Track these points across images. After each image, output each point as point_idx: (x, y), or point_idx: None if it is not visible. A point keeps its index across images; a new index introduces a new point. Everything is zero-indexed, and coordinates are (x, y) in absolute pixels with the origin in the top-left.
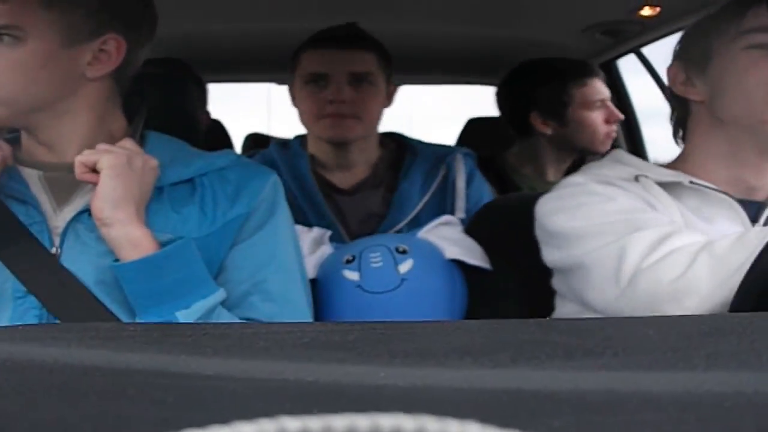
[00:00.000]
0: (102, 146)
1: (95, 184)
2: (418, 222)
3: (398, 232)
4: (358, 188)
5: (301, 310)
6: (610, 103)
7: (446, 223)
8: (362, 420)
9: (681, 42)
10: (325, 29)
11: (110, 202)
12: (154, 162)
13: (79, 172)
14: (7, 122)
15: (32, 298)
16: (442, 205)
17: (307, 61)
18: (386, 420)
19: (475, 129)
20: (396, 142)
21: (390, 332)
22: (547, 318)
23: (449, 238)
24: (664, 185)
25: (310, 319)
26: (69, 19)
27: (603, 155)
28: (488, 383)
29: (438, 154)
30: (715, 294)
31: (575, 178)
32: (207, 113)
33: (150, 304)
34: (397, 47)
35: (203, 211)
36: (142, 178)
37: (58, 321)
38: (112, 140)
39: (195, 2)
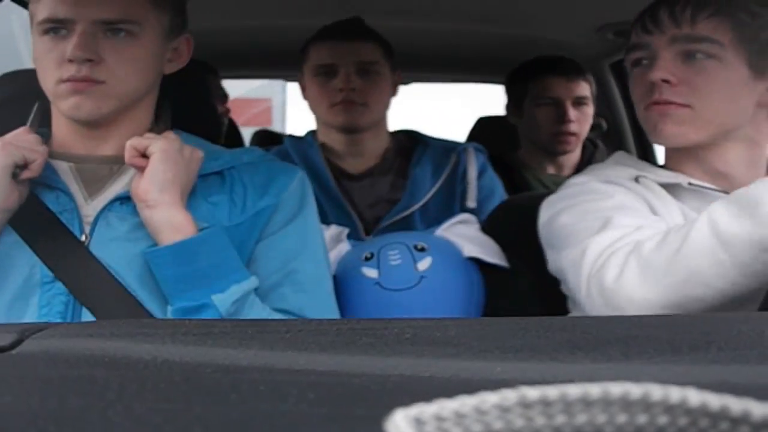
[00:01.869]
0: (150, 135)
1: (142, 169)
2: (427, 209)
3: (407, 217)
4: (368, 173)
5: (330, 303)
6: (567, 104)
7: (464, 221)
8: (594, 388)
9: None
10: (332, 23)
11: (158, 185)
12: (200, 153)
13: (129, 156)
14: (109, 115)
15: (60, 284)
16: (452, 193)
17: (316, 54)
18: (615, 388)
19: (485, 128)
20: (407, 135)
21: (488, 328)
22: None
23: (467, 236)
24: (665, 186)
25: (337, 313)
26: (167, 16)
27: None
28: (605, 377)
29: (448, 146)
30: (649, 298)
31: (578, 178)
32: (226, 107)
33: (185, 288)
34: (409, 45)
35: (233, 200)
36: (188, 166)
37: (84, 308)
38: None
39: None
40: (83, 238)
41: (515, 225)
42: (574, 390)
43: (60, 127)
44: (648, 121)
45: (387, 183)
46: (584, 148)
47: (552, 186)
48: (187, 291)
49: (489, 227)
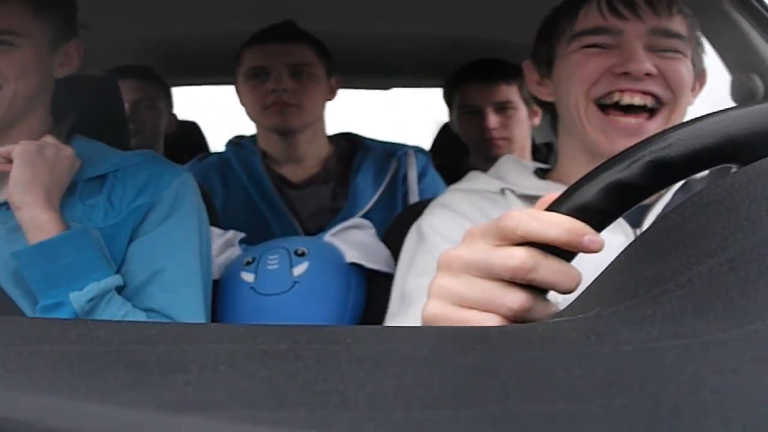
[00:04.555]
0: (23, 141)
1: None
2: (370, 216)
3: None
4: (309, 182)
5: (197, 305)
6: (487, 111)
7: (356, 227)
8: None
9: (535, 39)
10: (265, 28)
11: (20, 186)
12: (68, 151)
13: None
14: None
15: None
16: (394, 198)
17: (249, 57)
18: None
19: (448, 133)
20: (347, 139)
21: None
22: None
23: (354, 242)
24: (531, 199)
25: (203, 315)
26: (53, 24)
27: None
28: None
29: (389, 150)
30: None
31: (444, 198)
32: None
33: (47, 287)
34: (353, 50)
35: (110, 202)
36: (54, 165)
37: None
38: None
39: (155, 8)
40: None
41: None
42: None
43: None
44: (601, 128)
45: (328, 191)
46: (536, 151)
47: None
48: (49, 289)
49: (391, 232)
